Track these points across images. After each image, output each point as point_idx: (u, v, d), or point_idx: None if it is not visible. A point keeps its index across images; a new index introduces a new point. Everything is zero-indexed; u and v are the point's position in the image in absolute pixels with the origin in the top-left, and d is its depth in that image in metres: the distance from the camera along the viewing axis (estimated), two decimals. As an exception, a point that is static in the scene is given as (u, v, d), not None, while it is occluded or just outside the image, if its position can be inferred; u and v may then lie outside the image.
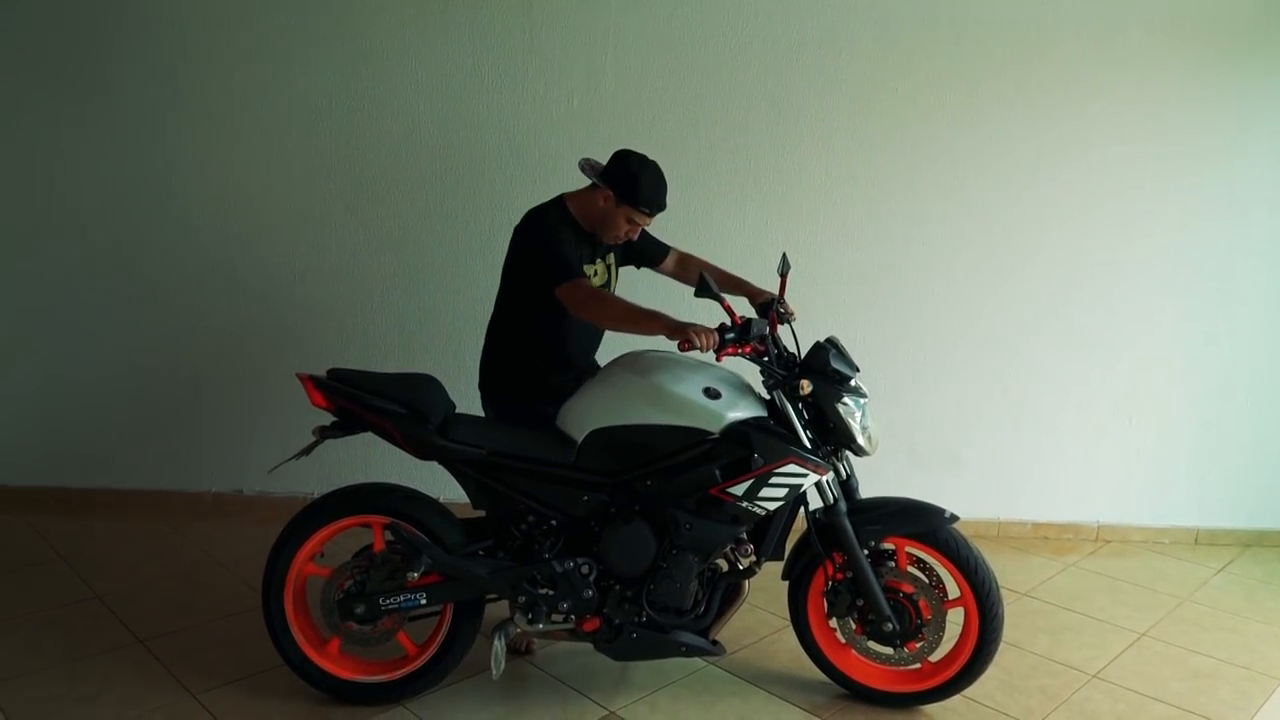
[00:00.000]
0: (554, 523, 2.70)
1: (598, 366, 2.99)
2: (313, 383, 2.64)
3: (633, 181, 2.71)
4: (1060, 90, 3.90)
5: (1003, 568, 3.88)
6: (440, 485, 3.24)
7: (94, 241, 4.18)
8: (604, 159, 2.77)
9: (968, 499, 4.12)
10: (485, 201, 4.05)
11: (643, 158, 2.75)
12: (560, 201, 2.86)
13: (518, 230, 2.84)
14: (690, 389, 2.56)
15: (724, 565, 2.74)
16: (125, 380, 4.27)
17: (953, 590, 2.72)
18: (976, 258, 4.03)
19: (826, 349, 2.60)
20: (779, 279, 2.80)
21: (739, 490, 2.52)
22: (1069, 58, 3.88)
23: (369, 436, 2.76)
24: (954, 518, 2.63)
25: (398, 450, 2.73)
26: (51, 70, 4.07)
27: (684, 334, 2.43)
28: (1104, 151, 3.95)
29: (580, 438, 2.63)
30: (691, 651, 2.70)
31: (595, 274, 2.86)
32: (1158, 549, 4.22)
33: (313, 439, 2.70)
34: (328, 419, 2.72)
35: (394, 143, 4.03)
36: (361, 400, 2.61)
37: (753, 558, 2.66)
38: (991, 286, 4.05)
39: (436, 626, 2.79)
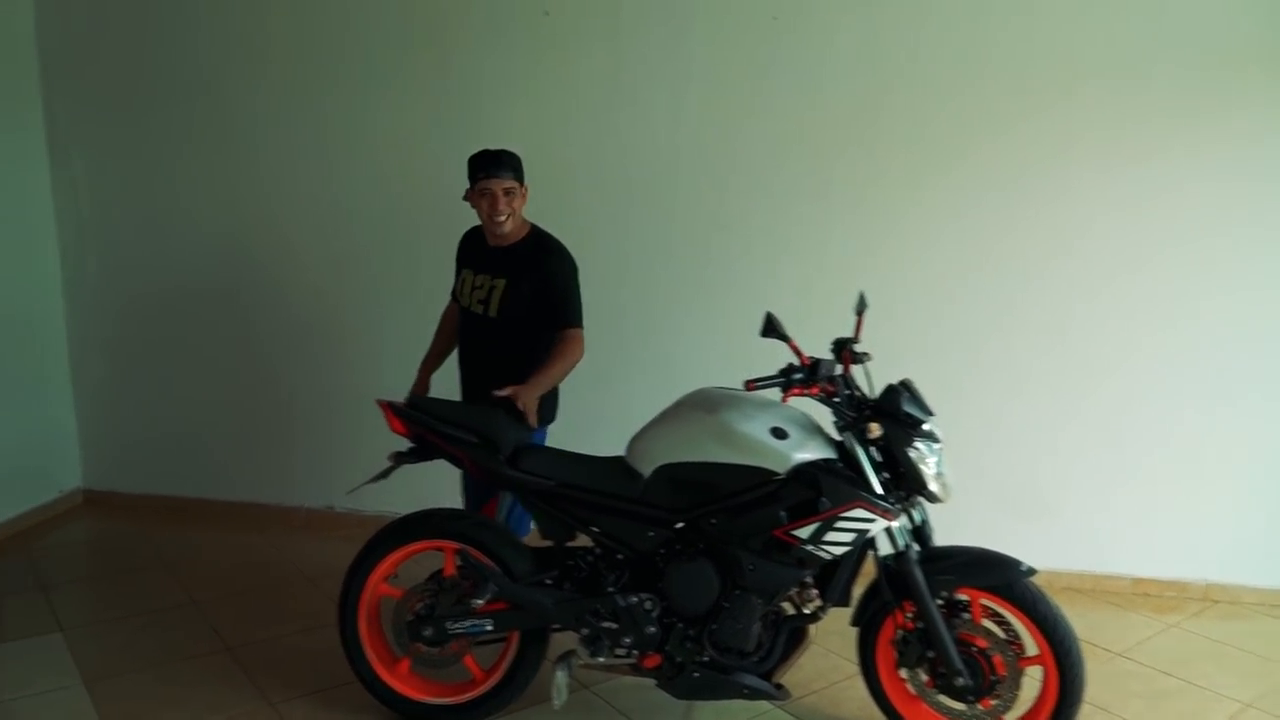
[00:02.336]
0: (619, 556, 2.71)
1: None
2: (391, 409, 2.73)
3: (471, 165, 2.96)
4: (1162, 123, 3.74)
5: (1097, 624, 3.70)
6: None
7: (202, 266, 4.44)
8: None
9: (1060, 549, 3.95)
10: (572, 235, 4.09)
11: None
12: None
13: None
14: (757, 428, 2.53)
15: (789, 608, 2.70)
16: (229, 398, 4.49)
17: (1030, 647, 2.61)
18: (1071, 297, 3.87)
19: (899, 391, 2.54)
20: (855, 318, 2.75)
21: (805, 533, 2.48)
22: (1168, 89, 3.72)
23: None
24: (1031, 570, 2.53)
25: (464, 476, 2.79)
26: (168, 105, 4.35)
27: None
28: (1216, 187, 3.76)
29: (647, 473, 2.63)
30: (754, 694, 2.66)
31: (464, 280, 3.12)
32: (1273, 613, 3.95)
33: (388, 464, 2.79)
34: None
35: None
36: (436, 428, 2.68)
37: (818, 602, 2.61)
38: (1089, 326, 3.89)
39: (502, 653, 2.83)
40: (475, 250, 3.12)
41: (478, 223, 3.09)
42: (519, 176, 2.97)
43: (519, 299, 2.97)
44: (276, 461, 4.52)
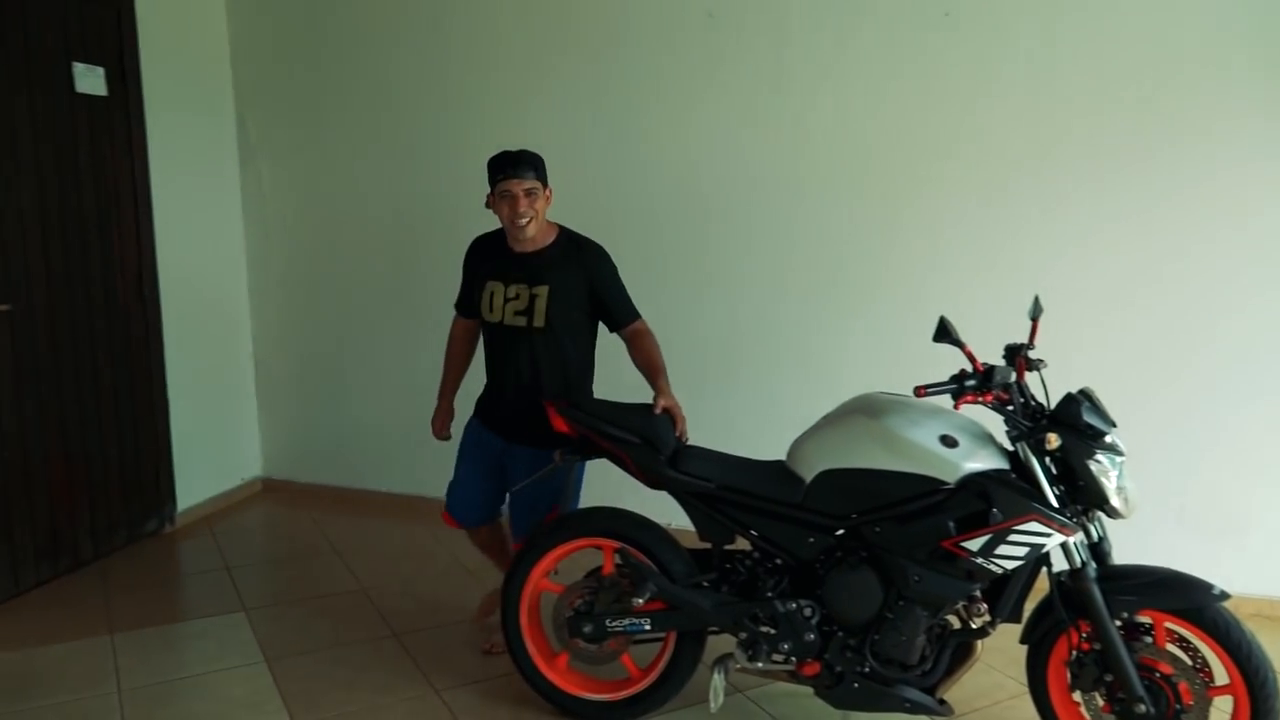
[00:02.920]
0: (778, 561, 2.69)
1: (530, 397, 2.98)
2: (555, 409, 2.80)
3: (490, 168, 2.86)
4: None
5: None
6: (669, 513, 3.31)
7: (376, 266, 4.67)
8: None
9: (1251, 571, 3.67)
10: (728, 234, 4.11)
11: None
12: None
13: None
14: (926, 435, 2.47)
15: (955, 622, 2.62)
16: (398, 394, 4.69)
17: (1220, 676, 2.45)
18: (1263, 306, 3.60)
19: (1079, 401, 2.43)
20: (1030, 323, 2.64)
21: (974, 545, 2.40)
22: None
23: (606, 461, 2.88)
24: (1224, 595, 2.37)
25: (629, 476, 2.83)
26: (347, 114, 4.59)
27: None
28: None
29: (809, 478, 2.61)
30: (916, 709, 2.59)
31: (490, 294, 2.97)
32: None
33: (554, 462, 2.85)
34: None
35: (638, 175, 4.19)
36: (599, 428, 2.73)
37: (986, 617, 2.52)
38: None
39: (659, 653, 2.85)
40: (496, 259, 2.97)
41: (487, 230, 3.05)
42: (541, 177, 2.86)
43: (569, 304, 2.92)
44: (441, 457, 4.68)
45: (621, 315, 2.99)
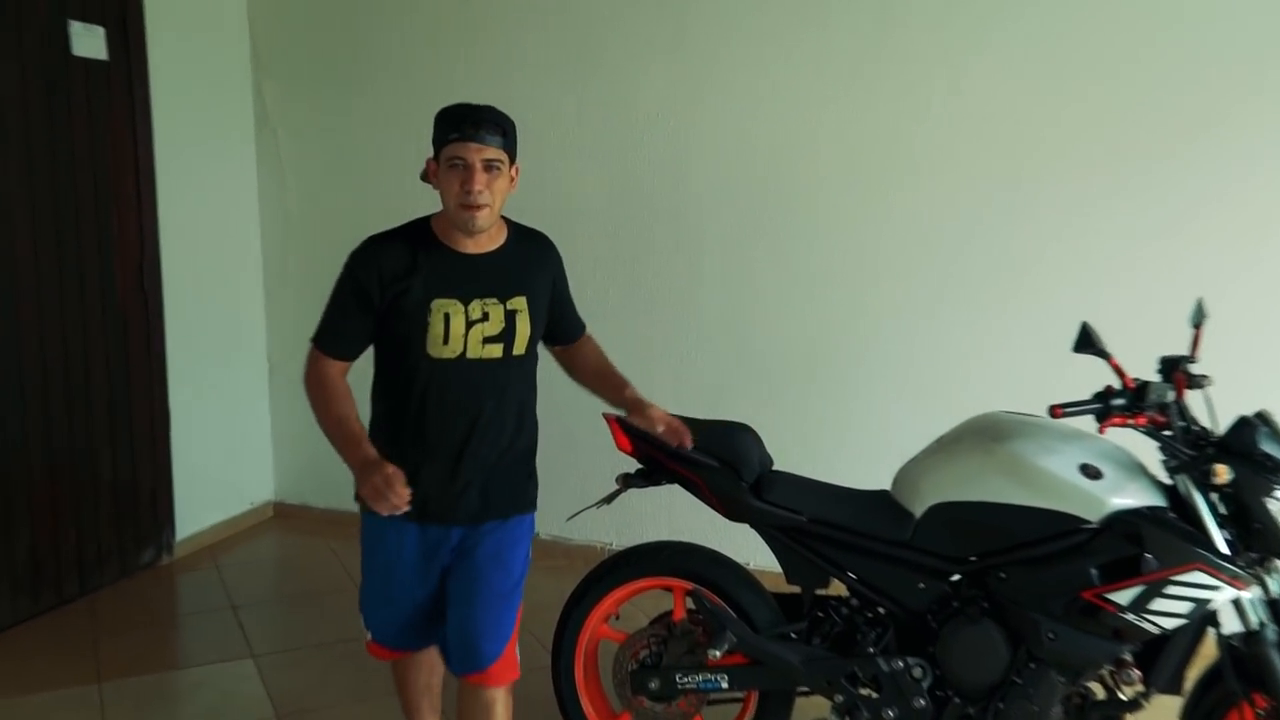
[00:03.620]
0: (881, 611, 2.66)
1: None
2: (620, 425, 2.78)
3: (436, 125, 2.40)
4: None
5: None
6: (750, 550, 3.28)
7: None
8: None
9: None
10: (820, 225, 4.08)
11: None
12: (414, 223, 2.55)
13: None
14: (1063, 464, 2.43)
15: (1099, 692, 2.56)
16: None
17: None
18: None
19: (1255, 425, 2.36)
20: (1192, 331, 2.57)
21: (1123, 598, 2.35)
22: None
23: (673, 488, 2.85)
24: None
25: (703, 506, 2.80)
26: (375, 86, 4.66)
27: (363, 482, 2.26)
28: None
29: (920, 512, 2.58)
30: (1048, 795, 2.53)
31: (448, 318, 2.38)
32: None
33: (616, 487, 2.84)
34: (633, 465, 2.85)
35: (722, 159, 4.17)
36: (670, 448, 2.71)
37: (1139, 687, 2.46)
38: None
39: (738, 716, 2.82)
40: (433, 266, 2.40)
41: (383, 228, 2.52)
42: (509, 147, 2.37)
43: (540, 320, 2.54)
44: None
45: (575, 325, 2.76)
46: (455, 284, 2.39)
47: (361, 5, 4.66)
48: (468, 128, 2.30)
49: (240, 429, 4.97)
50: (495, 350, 2.42)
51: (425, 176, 2.46)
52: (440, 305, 2.36)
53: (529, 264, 2.53)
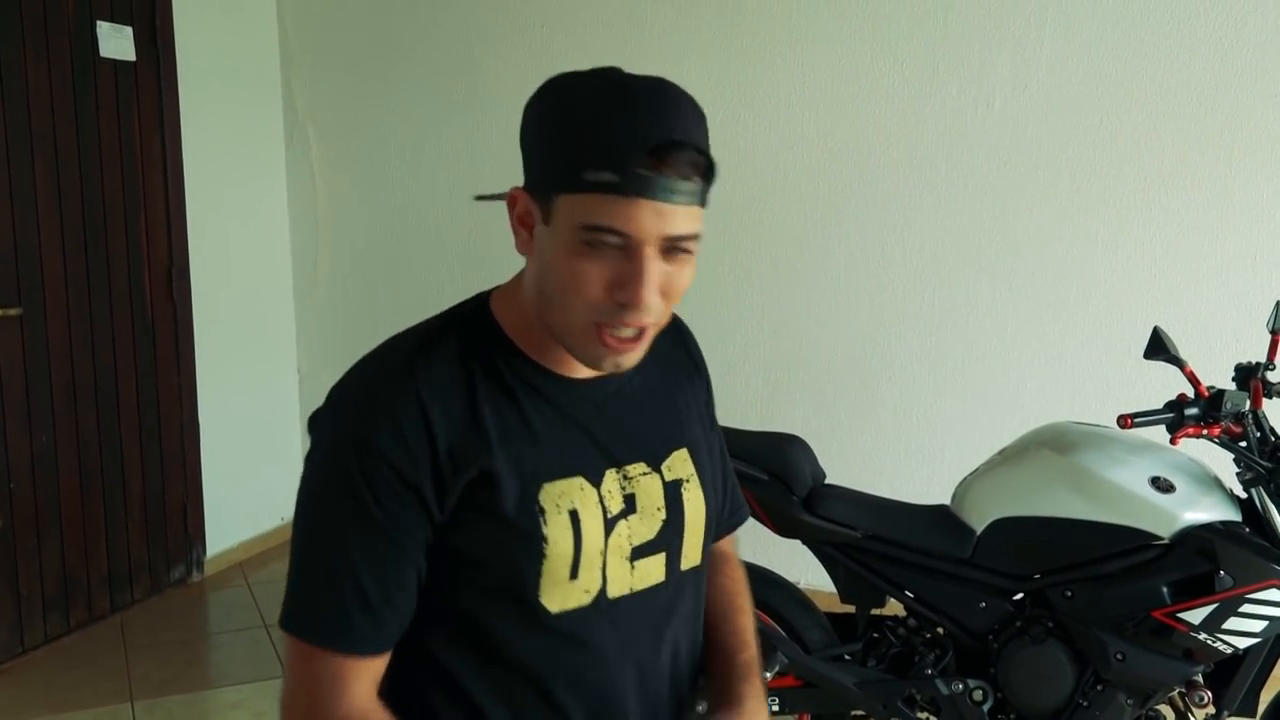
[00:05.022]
0: (940, 631, 2.69)
1: None
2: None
3: (553, 139, 1.23)
4: None
5: None
6: (801, 568, 3.33)
7: (445, 270, 4.82)
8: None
9: None
10: (874, 227, 4.11)
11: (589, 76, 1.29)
12: (430, 333, 1.31)
13: None
14: (1133, 477, 2.46)
15: (1168, 714, 2.59)
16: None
17: None
18: None
19: (1335, 436, 2.38)
20: (1270, 336, 2.59)
21: (1195, 617, 2.37)
22: None
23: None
24: None
25: (752, 521, 2.84)
26: (412, 83, 4.76)
27: None
28: None
29: (980, 528, 2.61)
30: (1118, 823, 2.56)
31: (575, 516, 1.27)
32: None
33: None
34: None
35: (770, 157, 4.22)
36: (719, 461, 2.76)
37: (1211, 709, 2.49)
38: None
39: (790, 740, 2.87)
40: (529, 417, 1.28)
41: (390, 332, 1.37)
42: (706, 200, 1.25)
43: (715, 488, 1.48)
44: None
45: (733, 503, 1.62)
46: (572, 446, 1.31)
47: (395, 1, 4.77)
48: (647, 165, 1.14)
49: (271, 442, 5.08)
50: (655, 570, 1.36)
51: (523, 244, 1.27)
52: (555, 494, 1.27)
53: (679, 380, 1.49)
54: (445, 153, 4.77)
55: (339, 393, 1.27)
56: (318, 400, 1.25)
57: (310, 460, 1.26)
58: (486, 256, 4.71)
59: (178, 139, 4.46)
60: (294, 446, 5.18)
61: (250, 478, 4.96)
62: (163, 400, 4.48)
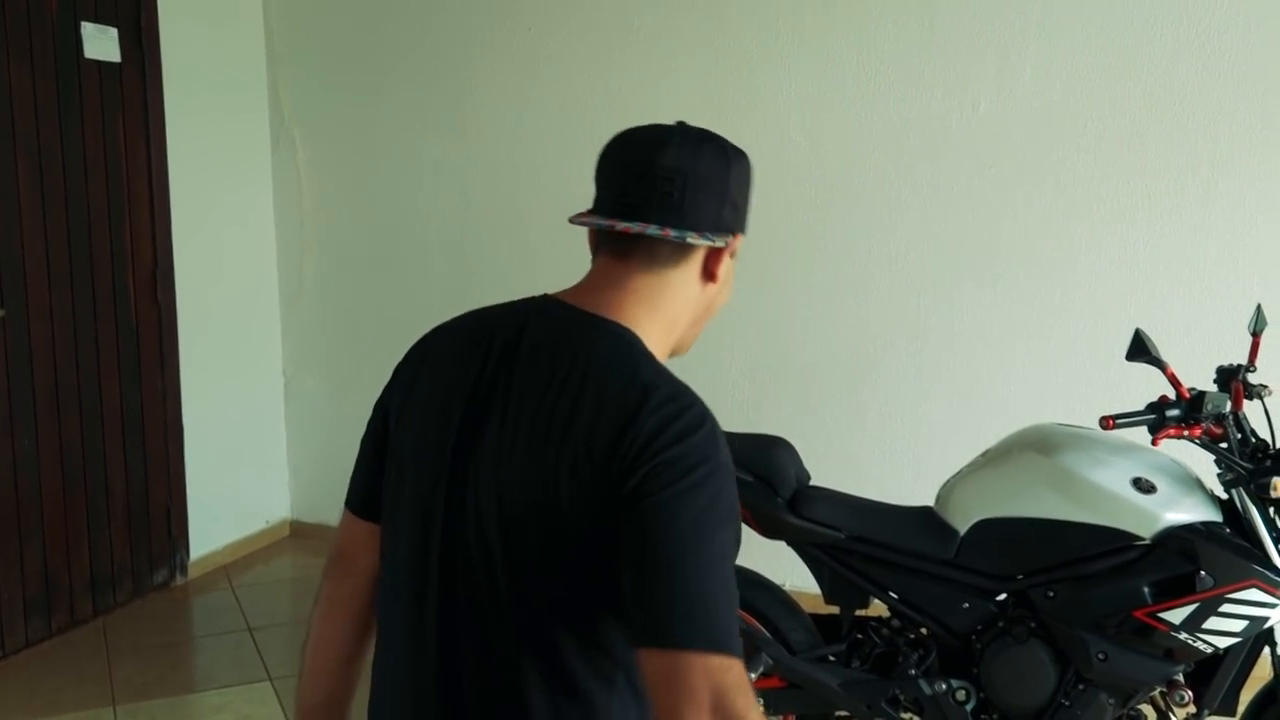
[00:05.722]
0: (924, 631, 2.71)
1: None
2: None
3: (747, 182, 1.60)
4: None
5: None
6: (786, 569, 3.34)
7: (431, 271, 4.82)
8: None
9: None
10: (859, 230, 4.14)
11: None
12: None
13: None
14: (1115, 478, 2.49)
15: (1149, 713, 2.61)
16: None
17: None
18: None
19: (1314, 436, 2.41)
20: (1251, 338, 2.62)
21: (1176, 617, 2.40)
22: None
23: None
24: None
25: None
26: (401, 86, 4.77)
27: None
28: None
29: (964, 528, 2.64)
30: (1100, 823, 2.58)
31: None
32: None
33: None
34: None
35: (756, 160, 4.20)
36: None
37: (1191, 708, 2.52)
38: None
39: (774, 742, 2.88)
40: None
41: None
42: None
43: None
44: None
45: None
46: None
47: (383, 2, 4.78)
48: None
49: (255, 445, 5.09)
50: None
51: (712, 273, 1.48)
52: None
53: None
54: (432, 156, 4.78)
55: (710, 416, 1.31)
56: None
57: (718, 478, 1.27)
58: (473, 262, 4.72)
59: (163, 141, 4.47)
60: (279, 449, 5.19)
61: (234, 481, 4.97)
62: (146, 402, 4.48)
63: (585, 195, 1.42)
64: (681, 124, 1.46)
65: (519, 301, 1.45)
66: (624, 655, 1.30)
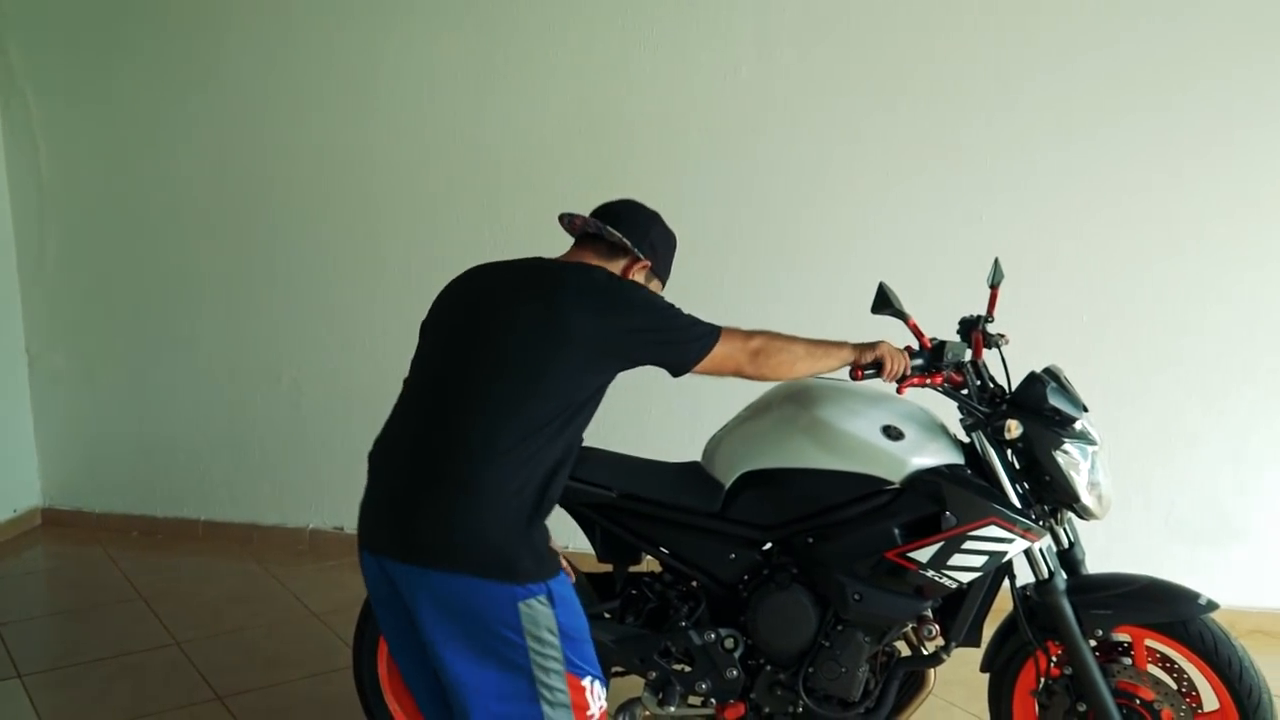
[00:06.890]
0: (694, 584, 2.78)
1: None
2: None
3: (669, 246, 2.59)
4: None
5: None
6: (562, 533, 3.35)
7: (185, 240, 4.61)
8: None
9: (1247, 581, 3.91)
10: (635, 192, 4.17)
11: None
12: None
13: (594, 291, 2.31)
14: (866, 427, 2.58)
15: (903, 649, 2.74)
16: (219, 399, 4.66)
17: (1209, 700, 2.62)
18: (1263, 289, 3.84)
19: (1044, 381, 2.56)
20: (989, 290, 2.77)
21: (924, 555, 2.51)
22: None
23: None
24: (1211, 605, 2.53)
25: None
26: (145, 40, 4.52)
27: (872, 355, 2.45)
28: None
29: (729, 482, 2.69)
30: (860, 754, 2.71)
31: None
32: None
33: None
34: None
35: (528, 123, 4.23)
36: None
37: (940, 641, 2.65)
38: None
39: (551, 701, 2.90)
40: None
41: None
42: None
43: None
44: (276, 473, 4.66)
45: None
46: None
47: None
48: None
49: (-1, 429, 4.79)
50: None
51: (614, 257, 2.51)
52: None
53: None
54: (187, 121, 4.55)
55: None
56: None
57: None
58: (235, 226, 4.54)
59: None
60: (26, 433, 4.88)
61: (-23, 467, 4.66)
62: None
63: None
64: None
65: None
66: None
